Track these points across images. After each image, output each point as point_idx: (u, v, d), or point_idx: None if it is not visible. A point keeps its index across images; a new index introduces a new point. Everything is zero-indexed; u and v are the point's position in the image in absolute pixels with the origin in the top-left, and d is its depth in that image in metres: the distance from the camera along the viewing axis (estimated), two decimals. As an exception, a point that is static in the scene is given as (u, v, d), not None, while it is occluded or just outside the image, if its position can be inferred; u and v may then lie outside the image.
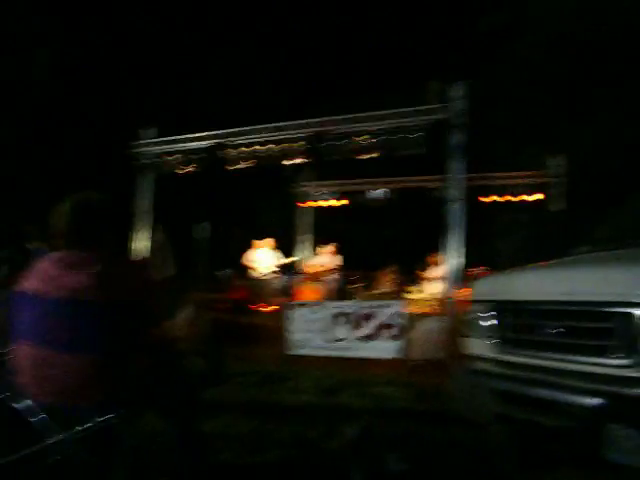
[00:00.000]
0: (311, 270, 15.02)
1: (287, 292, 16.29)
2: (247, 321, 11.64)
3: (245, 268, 15.62)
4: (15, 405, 2.74)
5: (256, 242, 14.16)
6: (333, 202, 18.56)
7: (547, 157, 15.79)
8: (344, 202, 18.39)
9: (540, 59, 19.03)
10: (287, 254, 14.67)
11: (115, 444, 2.64)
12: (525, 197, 15.51)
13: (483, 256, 16.05)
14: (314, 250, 17.51)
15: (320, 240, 17.07)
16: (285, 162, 13.56)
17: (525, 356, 3.32)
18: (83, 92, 22.66)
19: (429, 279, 14.40)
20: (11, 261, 9.94)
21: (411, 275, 16.69)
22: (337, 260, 14.65)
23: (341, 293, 15.96)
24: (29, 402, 2.70)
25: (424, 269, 14.88)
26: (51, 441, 2.65)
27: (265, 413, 5.05)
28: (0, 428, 2.77)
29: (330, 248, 14.76)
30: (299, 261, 16.86)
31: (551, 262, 3.71)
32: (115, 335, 2.64)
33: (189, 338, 10.54)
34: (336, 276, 14.98)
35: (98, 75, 23.25)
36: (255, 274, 13.95)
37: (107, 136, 21.75)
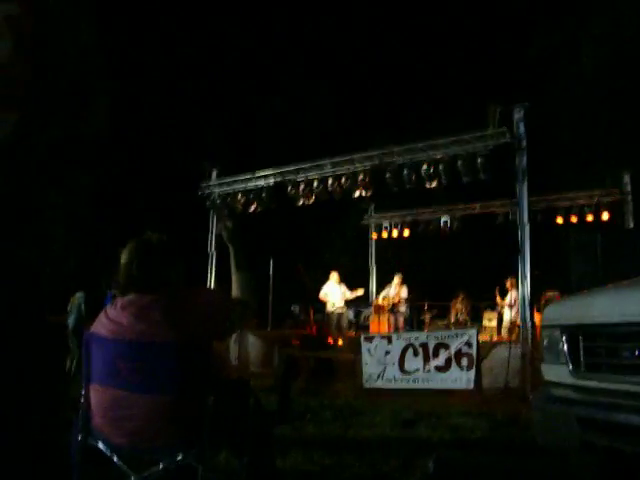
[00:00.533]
0: (380, 302, 14.95)
1: (360, 325, 16.27)
2: (322, 355, 11.65)
3: (312, 303, 15.70)
4: (92, 445, 2.81)
5: (332, 275, 14.15)
6: (397, 233, 18.50)
7: (613, 175, 15.44)
8: (408, 232, 18.33)
9: (604, 74, 18.68)
10: (352, 287, 14.61)
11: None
12: (593, 216, 15.14)
13: (556, 279, 15.69)
14: (380, 282, 17.48)
15: (386, 272, 17.03)
16: (347, 195, 13.63)
17: (605, 380, 3.23)
18: (144, 131, 23.34)
19: (507, 305, 14.19)
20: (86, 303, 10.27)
21: (485, 302, 16.45)
22: (404, 291, 14.53)
23: (412, 324, 15.86)
24: (104, 443, 2.77)
25: (501, 295, 14.66)
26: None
27: (341, 448, 5.02)
28: (78, 469, 2.84)
29: (396, 280, 14.66)
30: (366, 294, 16.80)
31: (625, 282, 3.60)
32: (187, 375, 2.68)
33: (264, 374, 10.64)
34: (405, 307, 14.85)
35: (158, 113, 23.92)
36: (329, 308, 13.94)
37: (173, 177, 22.31)
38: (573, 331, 3.43)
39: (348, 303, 14.62)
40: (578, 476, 2.96)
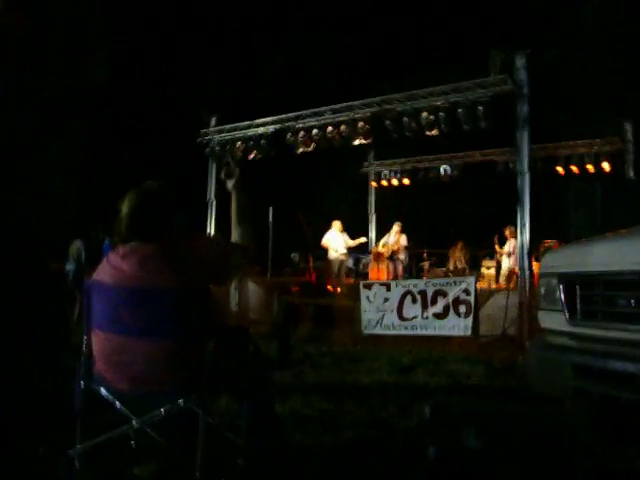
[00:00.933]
0: (379, 250, 15.00)
1: (359, 273, 16.35)
2: (321, 303, 11.72)
3: (311, 251, 15.76)
4: (95, 390, 2.85)
5: (335, 223, 14.19)
6: (397, 181, 18.44)
7: (615, 124, 15.32)
8: (408, 180, 18.27)
9: (606, 22, 18.36)
10: (353, 235, 14.66)
11: (190, 428, 2.72)
12: (594, 166, 15.06)
13: (555, 228, 15.70)
14: (379, 230, 17.51)
15: (385, 220, 17.04)
16: (347, 143, 13.56)
17: (600, 328, 3.25)
18: (143, 80, 23.06)
19: (505, 253, 14.24)
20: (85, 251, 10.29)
21: (483, 250, 16.52)
22: (403, 239, 14.55)
23: (411, 271, 15.93)
24: (106, 389, 2.82)
25: (500, 243, 14.71)
26: (128, 426, 2.77)
27: (340, 393, 5.10)
28: (81, 414, 2.89)
29: (396, 228, 14.66)
30: (367, 242, 16.87)
31: (623, 231, 3.61)
32: (187, 320, 2.71)
33: (263, 321, 10.74)
34: (404, 255, 14.90)
35: (158, 61, 23.60)
36: (330, 256, 14.01)
37: (171, 124, 22.12)
38: (570, 279, 3.44)
39: (348, 251, 14.68)
40: (572, 422, 3.00)
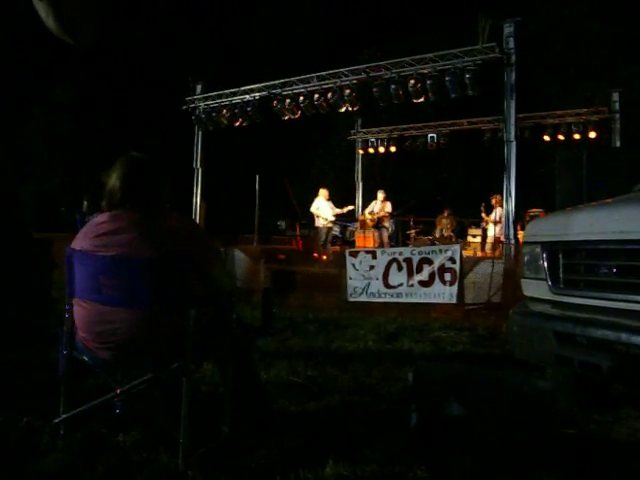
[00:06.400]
0: (365, 218, 15.02)
1: (345, 241, 16.39)
2: (307, 270, 11.75)
3: (298, 219, 15.78)
4: (78, 358, 2.86)
5: (321, 191, 14.17)
6: (384, 149, 18.42)
7: (602, 93, 15.35)
8: (395, 148, 18.25)
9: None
10: (340, 203, 14.67)
11: (174, 395, 2.73)
12: (580, 135, 15.10)
13: (541, 197, 15.77)
14: (366, 198, 17.54)
15: (372, 188, 17.05)
16: (334, 110, 13.50)
17: (582, 296, 3.28)
18: (129, 47, 22.78)
19: (492, 221, 14.30)
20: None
21: (470, 218, 16.58)
22: (388, 206, 14.57)
23: (397, 239, 15.98)
24: (89, 357, 2.82)
25: (487, 211, 14.76)
26: (112, 394, 2.78)
27: (325, 360, 5.12)
28: (65, 382, 2.90)
29: (380, 195, 14.66)
30: (354, 209, 16.91)
31: (607, 200, 3.62)
32: (168, 289, 2.71)
33: (249, 289, 10.75)
34: (389, 223, 14.93)
35: (143, 27, 23.29)
36: (318, 223, 14.03)
37: (157, 92, 21.92)
38: (553, 248, 3.46)
39: (335, 219, 14.71)
40: (553, 389, 3.04)
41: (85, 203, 9.44)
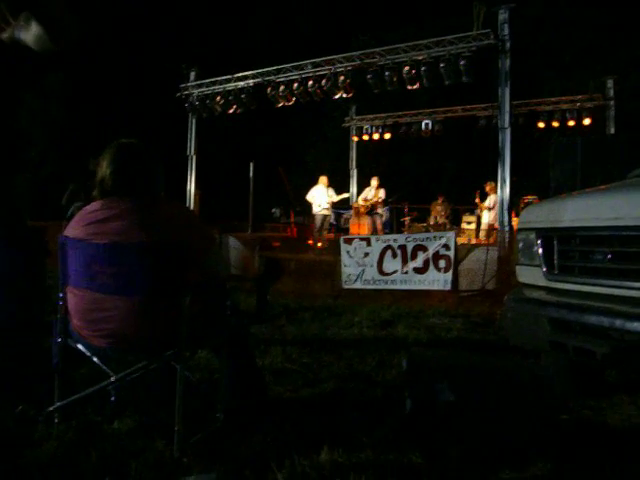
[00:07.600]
0: (359, 205, 15.03)
1: (340, 228, 16.41)
2: (302, 257, 11.75)
3: (292, 206, 15.79)
4: (72, 346, 2.85)
5: (321, 179, 14.18)
6: (378, 136, 18.38)
7: (597, 80, 15.35)
8: (390, 135, 18.22)
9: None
10: (336, 190, 14.67)
11: (169, 383, 2.73)
12: (575, 122, 15.11)
13: (536, 184, 15.78)
14: (361, 185, 17.53)
15: (367, 174, 17.04)
16: (328, 97, 13.46)
17: (577, 283, 3.28)
18: (123, 34, 22.64)
19: (486, 208, 14.30)
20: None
21: (464, 205, 16.59)
22: (382, 193, 14.56)
23: (392, 226, 15.99)
24: (83, 345, 2.82)
25: (481, 198, 14.76)
26: (107, 382, 2.78)
27: (320, 347, 5.13)
28: (59, 370, 2.89)
29: (374, 182, 14.66)
30: (349, 197, 16.92)
31: (600, 187, 3.61)
32: (162, 276, 2.70)
33: (245, 276, 10.76)
34: (383, 210, 14.94)
35: (138, 16, 23.15)
36: (314, 210, 14.07)
37: (150, 79, 21.81)
38: (548, 234, 3.46)
39: (331, 206, 14.72)
40: (548, 375, 3.06)
41: (65, 195, 9.26)
